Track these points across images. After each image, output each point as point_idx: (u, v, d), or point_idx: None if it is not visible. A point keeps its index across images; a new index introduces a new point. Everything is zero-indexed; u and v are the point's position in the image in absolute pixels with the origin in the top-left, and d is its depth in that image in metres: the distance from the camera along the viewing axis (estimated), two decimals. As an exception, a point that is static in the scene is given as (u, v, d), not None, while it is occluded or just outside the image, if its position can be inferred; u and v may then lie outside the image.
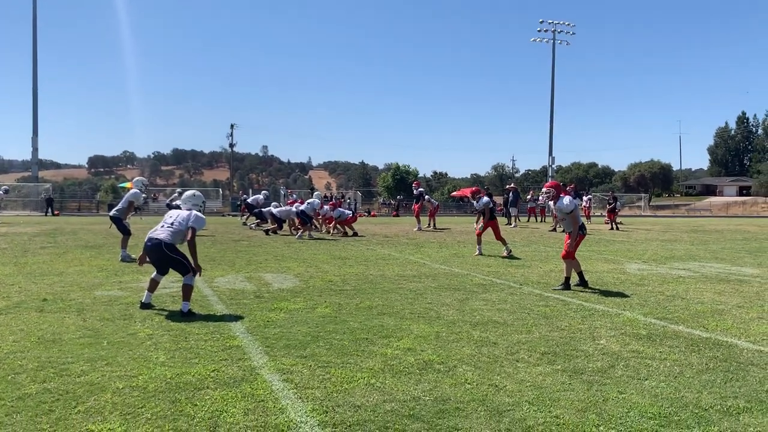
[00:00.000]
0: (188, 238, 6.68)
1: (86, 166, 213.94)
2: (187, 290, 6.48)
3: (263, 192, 25.27)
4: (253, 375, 4.32)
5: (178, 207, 7.30)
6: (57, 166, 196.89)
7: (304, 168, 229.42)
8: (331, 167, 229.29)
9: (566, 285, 8.51)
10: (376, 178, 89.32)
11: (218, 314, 6.42)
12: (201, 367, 4.47)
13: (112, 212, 12.28)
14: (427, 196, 23.57)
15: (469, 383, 4.21)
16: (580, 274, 8.72)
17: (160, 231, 6.76)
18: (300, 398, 3.87)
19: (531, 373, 4.49)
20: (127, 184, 64.84)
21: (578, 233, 8.59)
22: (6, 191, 30.47)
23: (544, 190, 8.94)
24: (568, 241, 8.62)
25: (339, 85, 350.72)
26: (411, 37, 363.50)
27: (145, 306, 6.69)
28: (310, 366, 4.55)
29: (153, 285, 6.85)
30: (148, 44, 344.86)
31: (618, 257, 13.25)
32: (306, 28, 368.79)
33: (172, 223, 6.83)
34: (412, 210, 25.76)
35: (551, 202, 8.74)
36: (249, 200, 23.44)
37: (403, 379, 4.28)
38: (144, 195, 13.14)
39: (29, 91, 47.94)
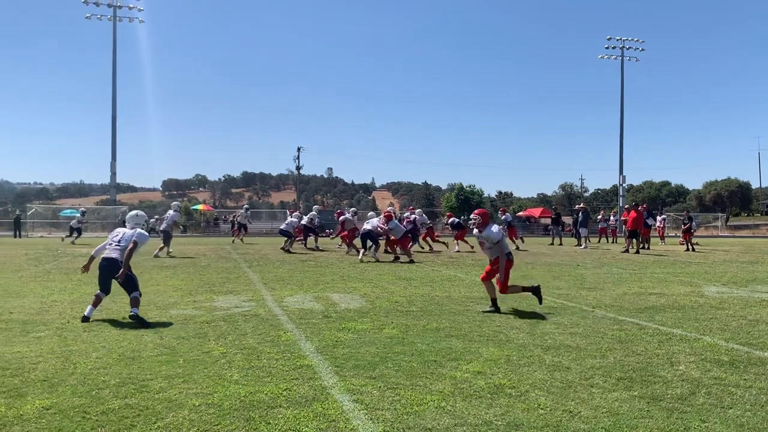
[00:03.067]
0: (128, 249, 7.49)
1: (160, 188, 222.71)
2: (135, 301, 7.28)
3: (314, 208, 25.27)
4: (324, 394, 4.37)
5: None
6: (133, 189, 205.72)
7: (368, 189, 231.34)
8: (394, 188, 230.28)
9: (495, 307, 8.27)
10: (440, 199, 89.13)
11: (288, 334, 6.53)
12: (273, 386, 4.56)
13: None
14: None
15: (542, 408, 4.13)
16: (494, 300, 8.36)
17: (111, 250, 7.61)
18: (371, 419, 3.88)
19: (607, 399, 4.36)
20: (200, 207, 66.45)
21: (506, 259, 8.35)
22: (83, 213, 31.80)
23: (471, 216, 8.67)
24: (497, 274, 8.35)
25: (403, 105, 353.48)
26: (475, 57, 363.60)
27: (86, 319, 7.21)
28: (380, 387, 4.57)
29: (97, 301, 7.49)
30: (218, 71, 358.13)
31: (695, 279, 12.72)
32: (369, 53, 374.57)
33: (119, 241, 7.65)
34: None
35: (476, 230, 8.47)
36: (304, 221, 23.44)
37: (474, 402, 4.23)
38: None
39: (109, 119, 50.45)
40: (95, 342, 6.06)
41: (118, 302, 8.68)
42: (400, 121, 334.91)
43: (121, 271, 7.35)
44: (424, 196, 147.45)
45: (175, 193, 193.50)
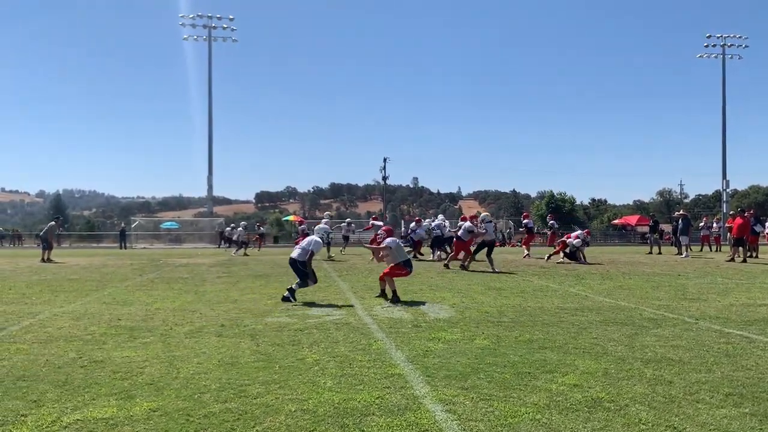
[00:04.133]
0: (307, 258, 10.20)
1: (253, 201, 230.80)
2: (298, 285, 10.15)
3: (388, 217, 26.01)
4: (416, 404, 4.38)
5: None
6: (228, 201, 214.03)
7: (454, 198, 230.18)
8: (482, 196, 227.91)
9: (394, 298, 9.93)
10: (529, 207, 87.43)
11: (379, 342, 6.59)
12: (366, 394, 4.62)
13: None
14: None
15: (643, 424, 3.96)
16: (393, 292, 10.05)
17: (294, 250, 10.58)
18: (464, 430, 3.85)
19: (714, 415, 4.13)
20: (291, 218, 68.33)
21: (404, 269, 10.42)
22: (245, 227, 30.33)
23: (379, 232, 10.00)
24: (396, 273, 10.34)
25: (491, 112, 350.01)
26: (567, 59, 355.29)
27: (286, 299, 9.90)
28: (472, 398, 4.53)
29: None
30: (305, 84, 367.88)
31: (812, 291, 11.80)
32: (454, 62, 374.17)
33: (303, 246, 10.41)
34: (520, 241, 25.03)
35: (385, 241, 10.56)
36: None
37: (571, 416, 4.12)
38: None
39: (206, 135, 52.95)
40: (196, 348, 6.35)
41: (216, 310, 9.07)
42: (487, 129, 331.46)
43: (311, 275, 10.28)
44: (513, 204, 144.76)
45: (267, 204, 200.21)
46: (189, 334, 7.12)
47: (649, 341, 6.67)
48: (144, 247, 42.31)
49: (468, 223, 17.65)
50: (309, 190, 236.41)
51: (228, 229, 36.39)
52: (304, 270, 10.18)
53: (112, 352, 6.15)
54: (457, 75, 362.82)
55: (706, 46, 56.97)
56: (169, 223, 58.19)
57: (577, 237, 20.51)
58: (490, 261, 17.19)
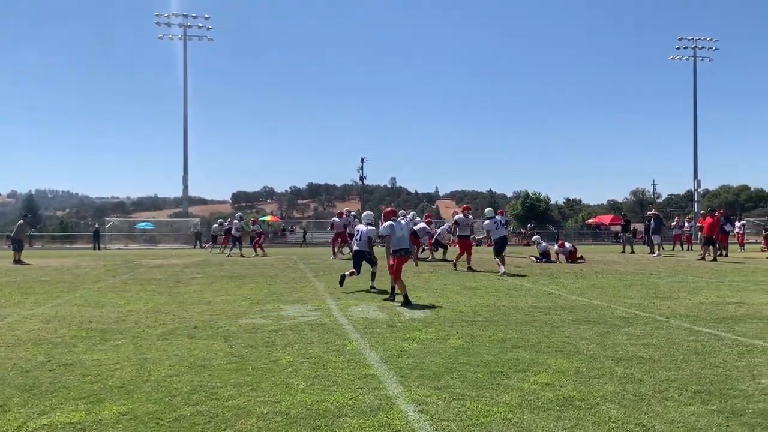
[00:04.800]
0: (367, 241, 11.87)
1: (230, 201, 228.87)
2: (373, 275, 12.14)
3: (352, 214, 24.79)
4: (389, 404, 4.37)
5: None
6: (204, 201, 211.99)
7: (431, 198, 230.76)
8: (459, 196, 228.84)
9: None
10: (505, 207, 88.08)
11: (353, 343, 6.58)
12: (339, 395, 4.60)
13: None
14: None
15: (613, 422, 4.00)
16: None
17: (357, 244, 12.21)
18: (436, 430, 3.86)
19: (682, 413, 4.18)
20: (268, 218, 67.83)
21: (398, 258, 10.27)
22: (240, 218, 27.26)
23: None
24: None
25: (467, 113, 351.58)
26: (540, 60, 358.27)
27: (342, 279, 11.70)
28: (445, 398, 4.54)
29: (351, 274, 11.80)
30: (282, 84, 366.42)
31: (779, 288, 12.04)
32: (430, 62, 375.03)
33: (360, 238, 12.07)
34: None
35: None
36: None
37: (542, 415, 4.14)
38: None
39: (181, 134, 52.40)
40: (168, 350, 6.27)
41: (189, 311, 8.97)
42: (464, 129, 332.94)
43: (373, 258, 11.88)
44: (489, 204, 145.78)
45: (243, 204, 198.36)
46: (161, 336, 7.03)
47: (621, 340, 6.75)
48: (118, 248, 41.73)
49: (459, 216, 17.84)
50: (286, 190, 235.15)
51: (216, 225, 34.20)
52: (370, 257, 11.96)
53: (81, 356, 6.05)
54: (435, 75, 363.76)
55: (678, 48, 57.90)
56: (143, 223, 57.40)
57: (563, 245, 20.95)
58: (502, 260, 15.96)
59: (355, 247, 12.42)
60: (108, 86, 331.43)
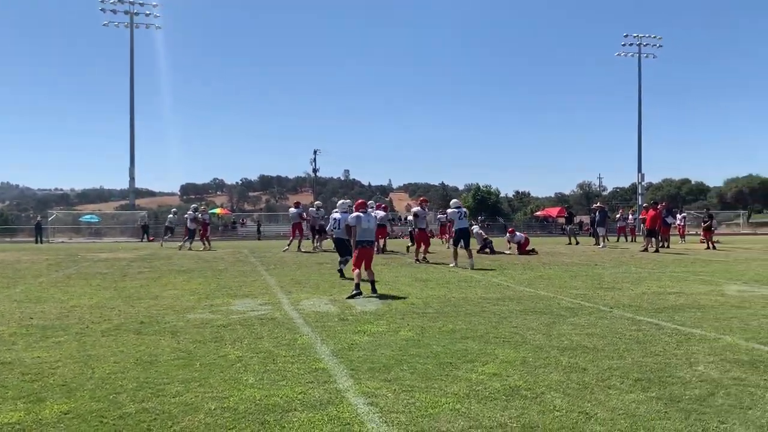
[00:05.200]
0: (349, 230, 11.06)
1: (179, 193, 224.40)
2: (345, 262, 12.49)
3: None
4: (338, 398, 4.37)
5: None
6: (152, 193, 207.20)
7: (384, 190, 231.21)
8: (411, 189, 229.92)
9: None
10: (458, 199, 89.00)
11: (304, 337, 6.55)
12: (288, 390, 4.57)
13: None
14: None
15: (557, 410, 4.10)
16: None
17: (336, 233, 12.83)
18: (385, 422, 3.88)
19: (623, 400, 4.32)
20: (218, 210, 66.88)
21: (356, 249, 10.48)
22: (195, 209, 26.39)
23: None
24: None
25: (419, 106, 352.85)
26: (488, 55, 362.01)
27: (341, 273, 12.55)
28: (395, 390, 4.57)
29: (344, 262, 12.66)
30: (233, 75, 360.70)
31: (716, 278, 12.56)
32: (381, 54, 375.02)
33: (338, 226, 12.59)
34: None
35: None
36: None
37: (489, 404, 4.22)
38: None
39: (128, 125, 51.04)
40: (113, 347, 6.12)
41: (136, 306, 8.77)
42: (416, 122, 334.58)
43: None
44: (442, 196, 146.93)
45: (193, 197, 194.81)
46: (106, 332, 6.85)
47: (566, 329, 6.92)
48: (62, 242, 40.46)
49: (417, 208, 17.82)
50: (237, 182, 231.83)
51: (171, 216, 31.84)
52: (349, 246, 11.63)
53: (21, 353, 5.85)
54: (387, 66, 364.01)
55: (624, 45, 59.41)
56: (88, 216, 55.68)
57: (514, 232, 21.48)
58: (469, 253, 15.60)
59: (334, 236, 13.15)
60: (51, 74, 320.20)
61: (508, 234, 21.72)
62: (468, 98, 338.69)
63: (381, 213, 19.80)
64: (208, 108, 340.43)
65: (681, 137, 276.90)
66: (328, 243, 19.18)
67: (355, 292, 9.63)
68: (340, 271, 12.77)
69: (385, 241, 21.42)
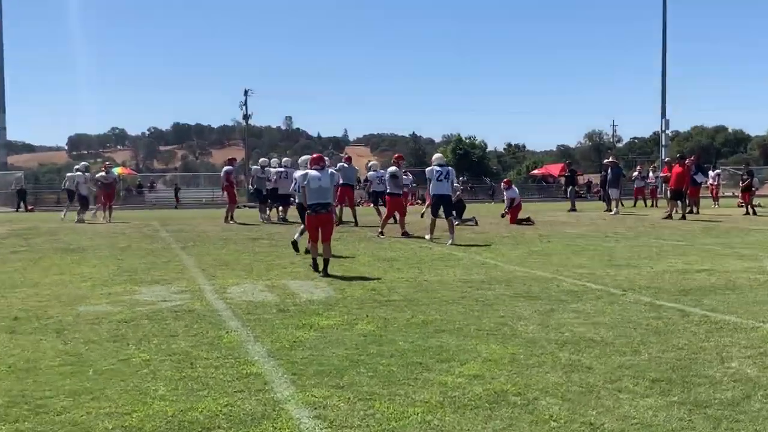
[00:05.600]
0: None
1: (66, 148, 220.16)
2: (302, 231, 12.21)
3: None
4: (276, 410, 4.39)
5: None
6: (31, 149, 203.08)
7: (339, 143, 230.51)
8: (374, 141, 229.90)
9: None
10: (432, 154, 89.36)
11: (232, 334, 6.55)
12: (210, 401, 4.57)
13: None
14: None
15: (554, 421, 4.18)
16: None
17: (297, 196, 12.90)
18: (336, 440, 3.92)
19: (637, 407, 4.42)
20: (119, 170, 65.76)
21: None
22: (86, 168, 26.82)
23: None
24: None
25: (381, 38, 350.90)
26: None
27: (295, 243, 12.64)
28: (349, 399, 4.60)
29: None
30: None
31: (756, 251, 12.92)
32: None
33: (298, 188, 11.86)
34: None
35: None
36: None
37: (468, 415, 4.28)
38: None
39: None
40: (-22, 350, 6.03)
41: (8, 297, 8.63)
42: (378, 56, 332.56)
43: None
44: (413, 151, 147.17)
45: (85, 153, 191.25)
46: (-31, 332, 6.74)
47: (567, 319, 7.06)
48: None
49: (395, 168, 17.14)
50: (144, 133, 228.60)
51: (72, 174, 29.04)
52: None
53: None
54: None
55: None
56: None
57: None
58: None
59: (297, 201, 13.32)
60: None
61: (503, 184, 21.88)
62: (448, 31, 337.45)
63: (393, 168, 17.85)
64: (103, 37, 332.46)
65: (715, 74, 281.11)
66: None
67: (312, 264, 10.37)
68: (294, 243, 12.83)
69: (354, 211, 20.82)
